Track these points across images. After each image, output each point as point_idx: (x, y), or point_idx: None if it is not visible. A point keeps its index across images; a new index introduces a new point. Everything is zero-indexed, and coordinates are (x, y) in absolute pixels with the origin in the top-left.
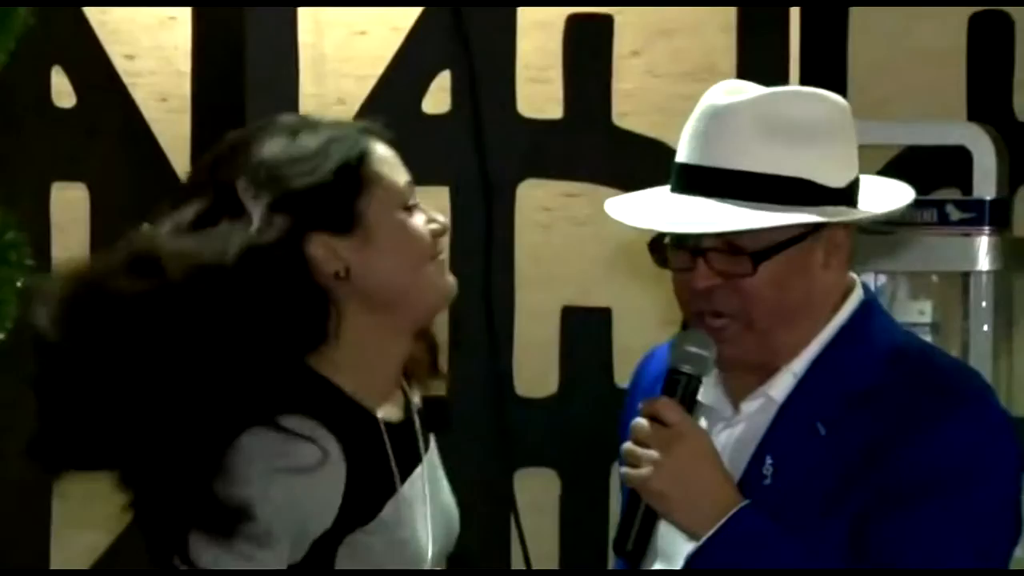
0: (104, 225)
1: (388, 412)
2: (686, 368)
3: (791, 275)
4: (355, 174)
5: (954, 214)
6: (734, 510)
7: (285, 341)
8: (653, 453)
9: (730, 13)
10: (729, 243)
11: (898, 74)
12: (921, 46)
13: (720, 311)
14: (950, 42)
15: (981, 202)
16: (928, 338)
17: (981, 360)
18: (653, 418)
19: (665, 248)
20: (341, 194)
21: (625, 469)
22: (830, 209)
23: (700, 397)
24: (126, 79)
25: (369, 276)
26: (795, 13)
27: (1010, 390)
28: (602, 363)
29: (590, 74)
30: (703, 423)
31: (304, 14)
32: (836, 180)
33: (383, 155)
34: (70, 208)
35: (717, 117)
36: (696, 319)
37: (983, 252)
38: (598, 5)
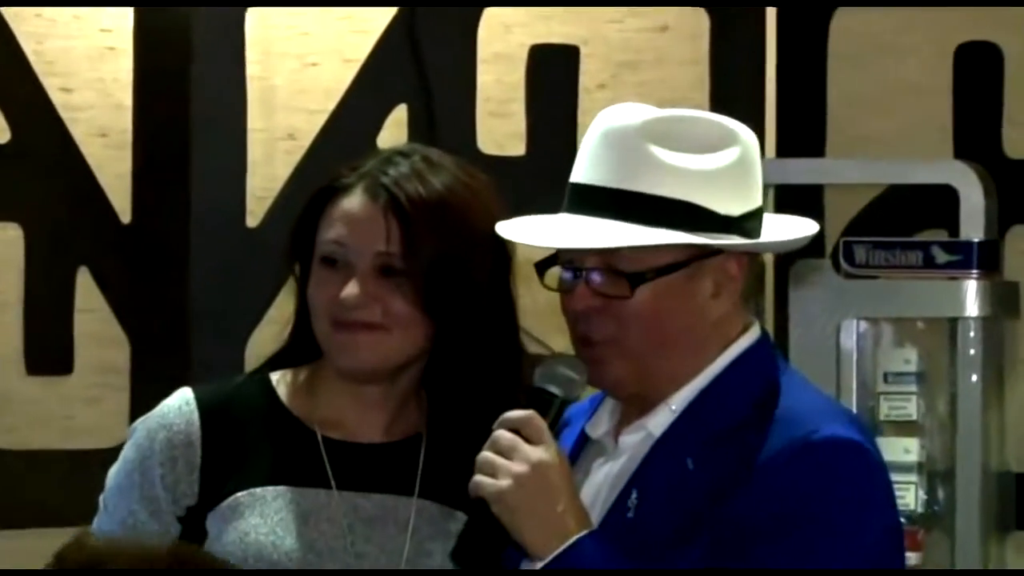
0: (39, 267)
1: (352, 432)
2: (553, 388)
3: (672, 302)
4: (315, 212)
5: (940, 257)
6: (574, 538)
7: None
8: (513, 467)
9: (701, 45)
10: (609, 264)
11: (879, 109)
12: (904, 78)
13: (596, 335)
14: (935, 74)
15: (969, 244)
16: (913, 388)
17: (970, 411)
18: (516, 432)
19: (550, 267)
20: (303, 227)
21: (480, 478)
22: (719, 236)
23: (589, 431)
24: (63, 113)
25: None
26: (771, 47)
27: (1002, 443)
28: None
29: (554, 109)
30: (591, 455)
31: (252, 45)
32: (729, 208)
33: (342, 206)
34: (3, 249)
35: (608, 137)
36: (577, 343)
37: (971, 297)
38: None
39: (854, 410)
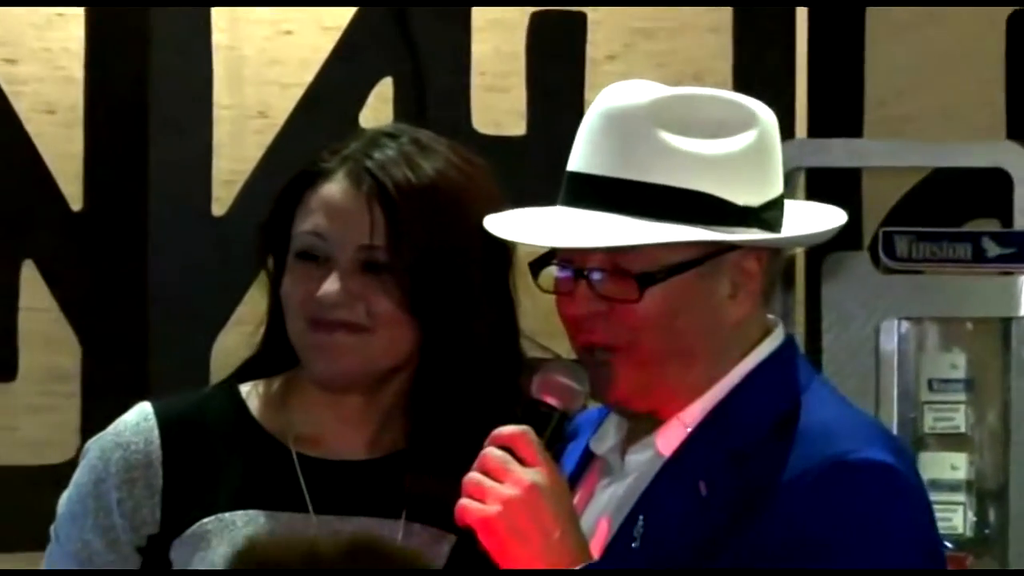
0: None
1: (331, 448)
2: (551, 400)
3: (685, 305)
4: (292, 200)
5: (991, 249)
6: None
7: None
8: (504, 490)
9: (724, 11)
10: (615, 264)
11: (923, 84)
12: (951, 50)
13: (602, 343)
14: (985, 45)
15: (1023, 235)
16: (961, 397)
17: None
18: (507, 449)
19: (546, 266)
20: (278, 217)
21: (466, 502)
22: (736, 230)
23: (593, 446)
24: (5, 87)
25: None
26: (802, 15)
27: None
28: None
29: (557, 83)
30: (597, 475)
31: (219, 10)
32: (746, 198)
33: (321, 193)
34: None
35: (610, 120)
36: (579, 352)
37: None
38: (568, 4)
39: (894, 422)
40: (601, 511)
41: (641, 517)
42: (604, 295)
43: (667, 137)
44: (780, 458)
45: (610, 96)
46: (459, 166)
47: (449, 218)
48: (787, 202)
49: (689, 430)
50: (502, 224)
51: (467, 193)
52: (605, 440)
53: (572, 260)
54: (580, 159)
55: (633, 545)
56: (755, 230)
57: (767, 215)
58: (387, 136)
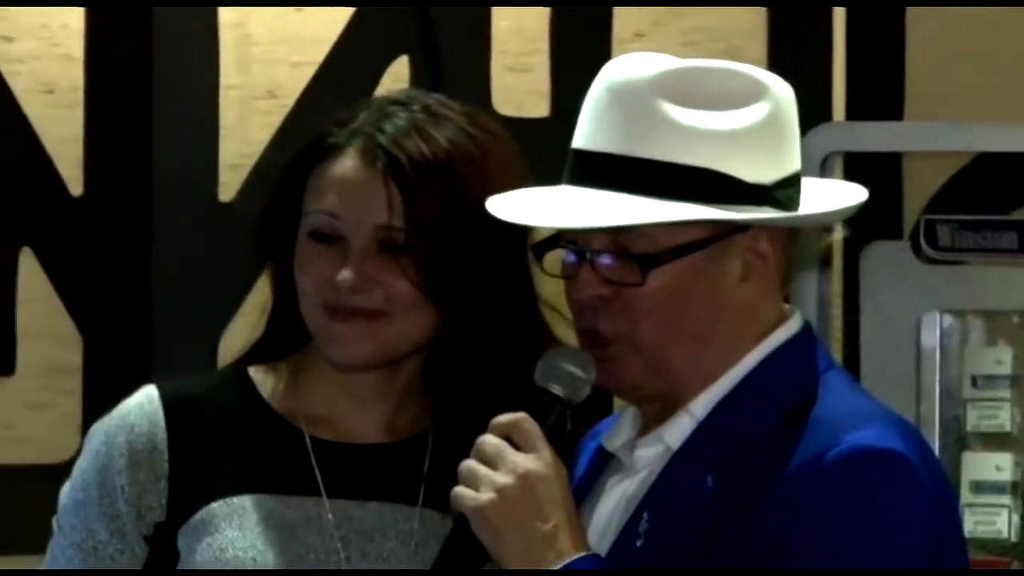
0: None
1: (346, 431)
2: (555, 389)
3: (693, 288)
4: (300, 177)
5: None
6: (564, 562)
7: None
8: (497, 478)
9: None
10: (619, 245)
11: (967, 63)
12: (996, 28)
13: (604, 333)
14: None
15: None
16: (1006, 394)
17: None
18: (506, 439)
19: (551, 249)
20: (284, 195)
21: (460, 489)
22: (747, 208)
23: (606, 442)
24: (2, 66)
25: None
26: None
27: None
28: None
29: (583, 62)
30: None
31: None
32: (758, 175)
33: (333, 171)
34: None
35: (614, 94)
36: (583, 338)
37: None
38: None
39: (936, 420)
40: (611, 508)
41: (646, 514)
42: (607, 278)
43: (672, 111)
44: (789, 448)
45: (614, 69)
46: (474, 135)
47: (467, 194)
48: (806, 180)
49: (698, 421)
50: (501, 204)
51: (482, 164)
52: (618, 437)
53: (577, 242)
54: (584, 136)
55: (637, 543)
56: (767, 208)
57: (780, 193)
58: (396, 104)
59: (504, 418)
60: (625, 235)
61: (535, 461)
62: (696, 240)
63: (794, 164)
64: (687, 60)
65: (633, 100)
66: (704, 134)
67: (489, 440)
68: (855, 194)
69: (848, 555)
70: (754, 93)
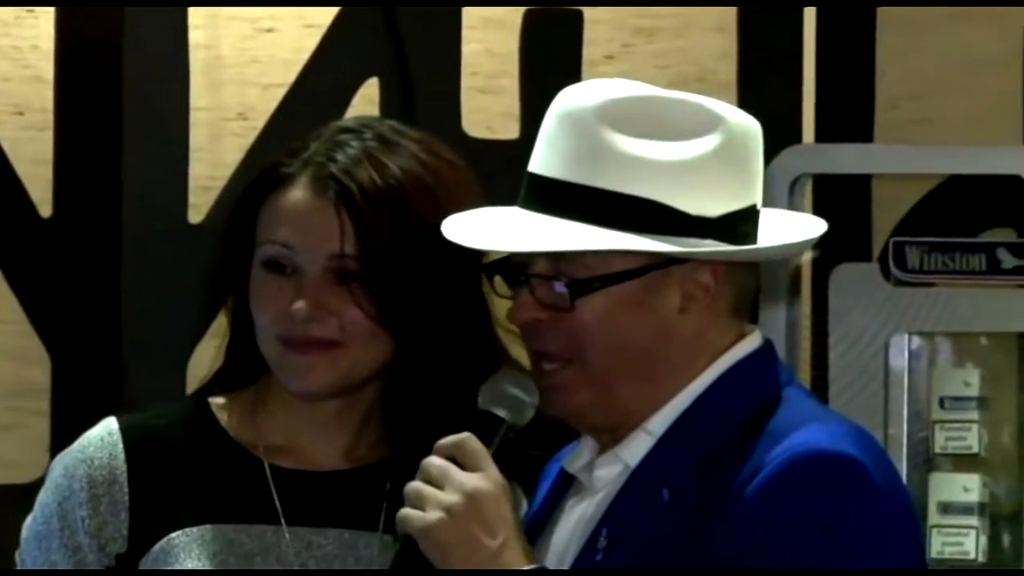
0: None
1: (306, 458)
2: (499, 412)
3: (625, 317)
4: (252, 207)
5: (1008, 261)
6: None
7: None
8: (443, 497)
9: (729, 10)
10: (559, 270)
11: (937, 86)
12: (967, 51)
13: (547, 352)
14: (1003, 46)
15: None
16: (975, 415)
17: None
18: (452, 459)
19: (501, 272)
20: (239, 226)
21: (407, 511)
22: (688, 241)
23: (567, 464)
24: None
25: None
26: (810, 13)
27: None
28: None
29: (553, 84)
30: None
31: (196, 7)
32: (703, 207)
33: (285, 201)
34: None
35: (562, 121)
36: (533, 358)
37: None
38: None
39: (904, 441)
40: (571, 529)
41: (604, 530)
42: (541, 302)
43: (617, 140)
44: (744, 457)
45: (566, 96)
46: (427, 163)
47: (418, 221)
48: (772, 211)
49: (655, 438)
50: (454, 224)
51: (435, 192)
52: (579, 458)
53: (521, 265)
54: (536, 160)
55: (597, 558)
56: (710, 242)
57: (731, 227)
58: (348, 133)
59: (449, 439)
60: (564, 261)
61: (481, 479)
62: (629, 269)
63: (750, 197)
64: (640, 88)
65: (579, 128)
66: (647, 164)
67: (434, 461)
68: (813, 227)
69: (803, 561)
70: (706, 125)
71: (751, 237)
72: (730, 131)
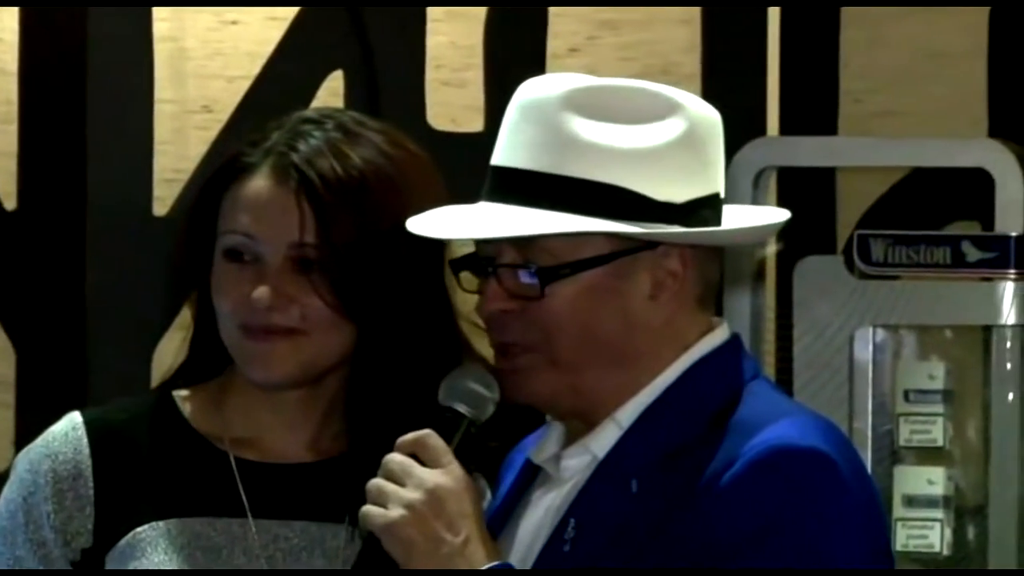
0: None
1: (270, 451)
2: (460, 407)
3: (596, 304)
4: (214, 197)
5: (972, 254)
6: (479, 571)
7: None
8: (405, 494)
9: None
10: (525, 258)
11: (901, 79)
12: (930, 44)
13: (514, 341)
14: (967, 39)
15: (1005, 239)
16: (939, 408)
17: (1005, 434)
18: (413, 456)
19: (468, 266)
20: (200, 216)
21: (369, 508)
22: (655, 226)
23: (533, 456)
24: None
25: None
26: (774, 7)
27: None
28: None
29: (518, 77)
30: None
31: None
32: (668, 193)
33: (246, 191)
34: None
35: (524, 112)
36: (496, 352)
37: (1008, 301)
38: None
39: (869, 434)
40: (538, 520)
41: (572, 521)
42: (510, 291)
43: (580, 128)
44: (712, 450)
45: (527, 88)
46: (389, 154)
47: (380, 212)
48: (735, 206)
49: (624, 429)
50: (419, 221)
51: (397, 183)
52: (545, 449)
53: (494, 258)
54: (499, 152)
55: (564, 548)
56: (677, 227)
57: (693, 212)
58: (310, 123)
59: (409, 436)
60: (531, 249)
61: (443, 476)
62: (598, 255)
63: (713, 185)
64: (601, 79)
65: (543, 117)
66: (613, 152)
67: (395, 458)
68: (775, 216)
69: (772, 554)
70: (667, 112)
71: (716, 223)
72: (691, 119)
